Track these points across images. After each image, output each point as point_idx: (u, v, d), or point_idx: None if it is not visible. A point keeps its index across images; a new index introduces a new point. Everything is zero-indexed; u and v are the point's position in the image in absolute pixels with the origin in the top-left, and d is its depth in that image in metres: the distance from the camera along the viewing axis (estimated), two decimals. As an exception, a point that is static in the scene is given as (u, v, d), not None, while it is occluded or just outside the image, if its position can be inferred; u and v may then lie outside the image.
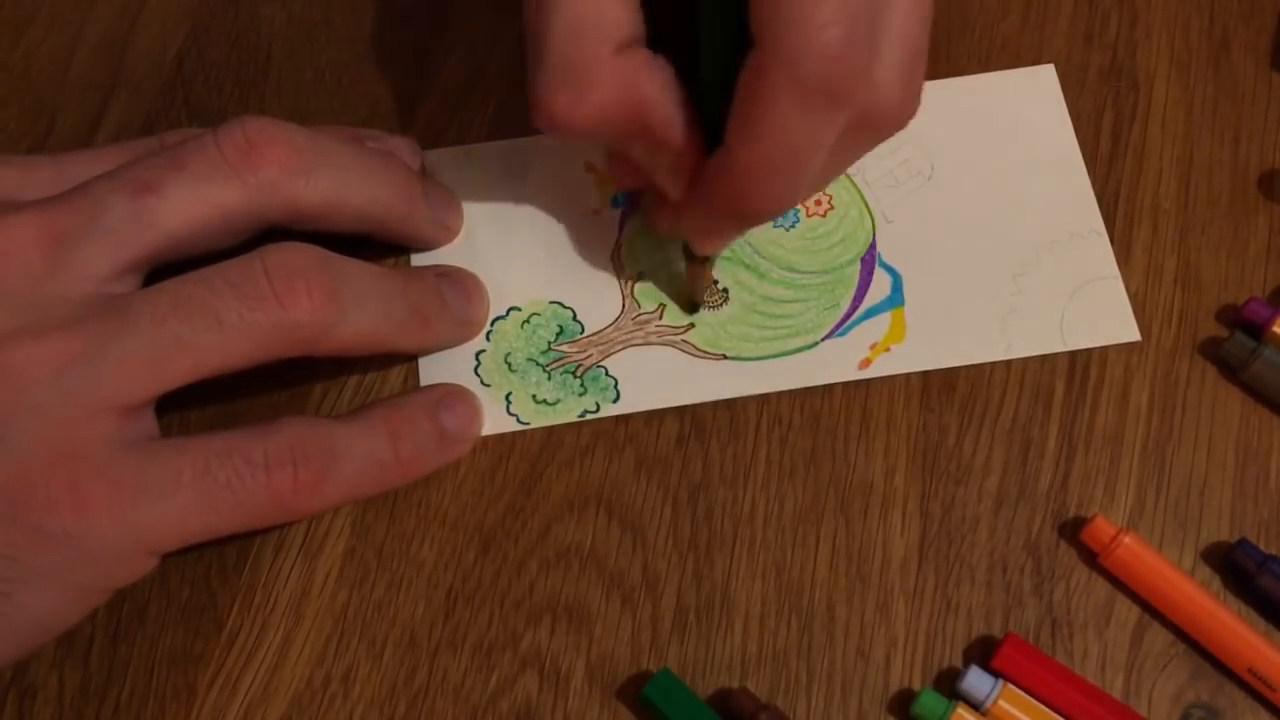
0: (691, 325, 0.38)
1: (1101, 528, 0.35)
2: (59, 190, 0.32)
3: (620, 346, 0.38)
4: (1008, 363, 0.38)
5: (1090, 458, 0.37)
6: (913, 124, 0.39)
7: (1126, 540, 0.35)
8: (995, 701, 0.33)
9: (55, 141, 0.41)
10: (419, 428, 0.35)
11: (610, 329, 0.38)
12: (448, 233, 0.39)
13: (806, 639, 0.35)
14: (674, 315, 0.39)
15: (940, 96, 0.41)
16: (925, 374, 0.38)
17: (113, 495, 0.30)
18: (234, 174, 0.32)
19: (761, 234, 0.39)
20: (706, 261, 0.37)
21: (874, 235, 0.40)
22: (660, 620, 0.35)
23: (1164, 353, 0.38)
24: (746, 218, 0.35)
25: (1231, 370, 0.38)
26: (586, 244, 0.39)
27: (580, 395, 0.38)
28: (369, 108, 0.42)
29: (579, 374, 0.38)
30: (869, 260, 0.39)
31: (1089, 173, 0.40)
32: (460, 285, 0.38)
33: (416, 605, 0.35)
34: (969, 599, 0.35)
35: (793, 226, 0.40)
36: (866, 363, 0.38)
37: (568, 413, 0.37)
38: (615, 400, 0.37)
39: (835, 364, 0.38)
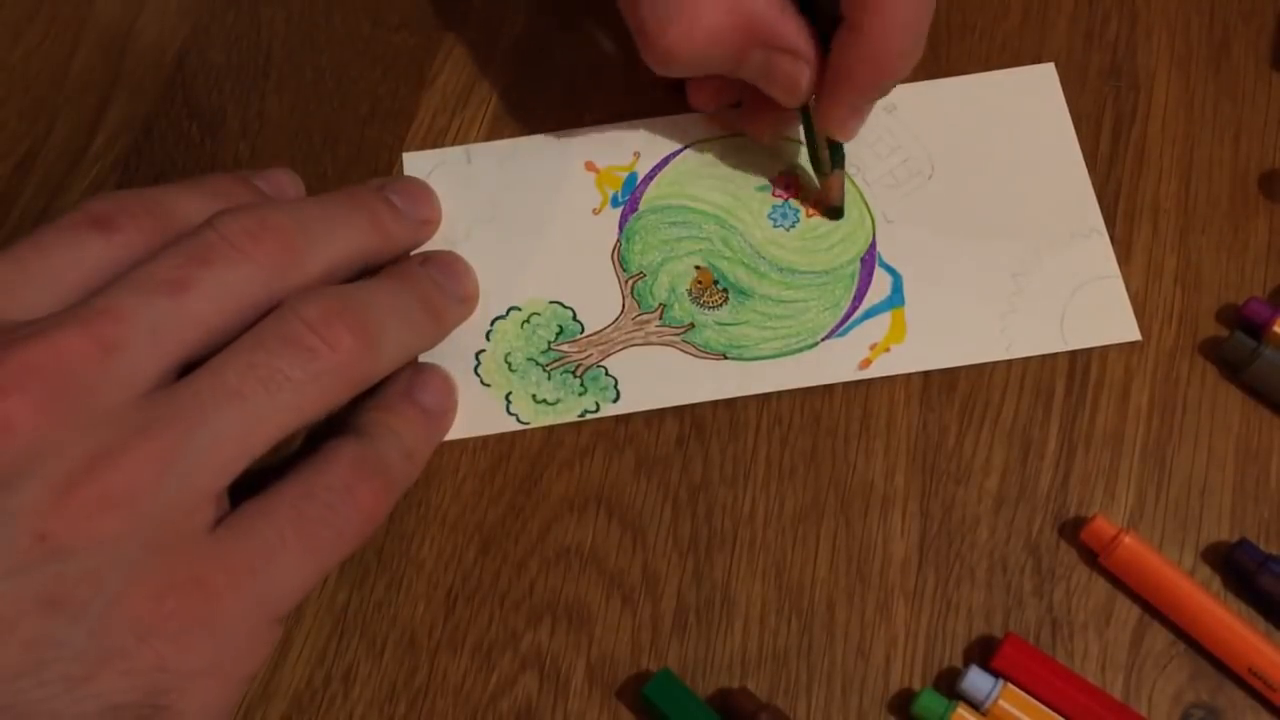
0: (691, 325, 0.38)
1: (1102, 527, 0.35)
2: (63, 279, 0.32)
3: (620, 346, 0.38)
4: (1008, 362, 0.38)
5: (1090, 458, 0.37)
6: (913, 123, 0.39)
7: (1127, 540, 0.35)
8: (995, 701, 0.33)
9: (54, 141, 0.41)
10: (411, 418, 0.35)
11: (610, 329, 0.38)
12: (429, 227, 0.39)
13: (806, 639, 0.35)
14: (673, 316, 0.38)
15: (941, 96, 0.41)
16: (926, 374, 0.38)
17: (232, 575, 0.30)
18: (248, 260, 0.32)
19: (761, 234, 0.39)
20: (842, 165, 0.38)
21: (874, 235, 0.39)
22: (660, 620, 0.35)
23: (1164, 353, 0.38)
24: (887, 85, 0.36)
25: (1231, 370, 0.38)
26: (586, 244, 0.39)
27: (580, 395, 0.38)
28: (369, 108, 0.42)
29: (579, 374, 0.38)
30: (869, 260, 0.39)
31: (1089, 172, 0.40)
32: (447, 267, 0.38)
33: (416, 605, 0.35)
34: (969, 599, 0.35)
35: (793, 227, 0.39)
36: (867, 363, 0.38)
37: (568, 412, 0.37)
38: (615, 400, 0.37)
39: (835, 364, 0.38)
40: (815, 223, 0.40)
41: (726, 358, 0.38)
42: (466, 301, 0.38)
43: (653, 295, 0.39)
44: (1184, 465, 0.37)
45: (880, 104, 0.38)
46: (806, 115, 0.38)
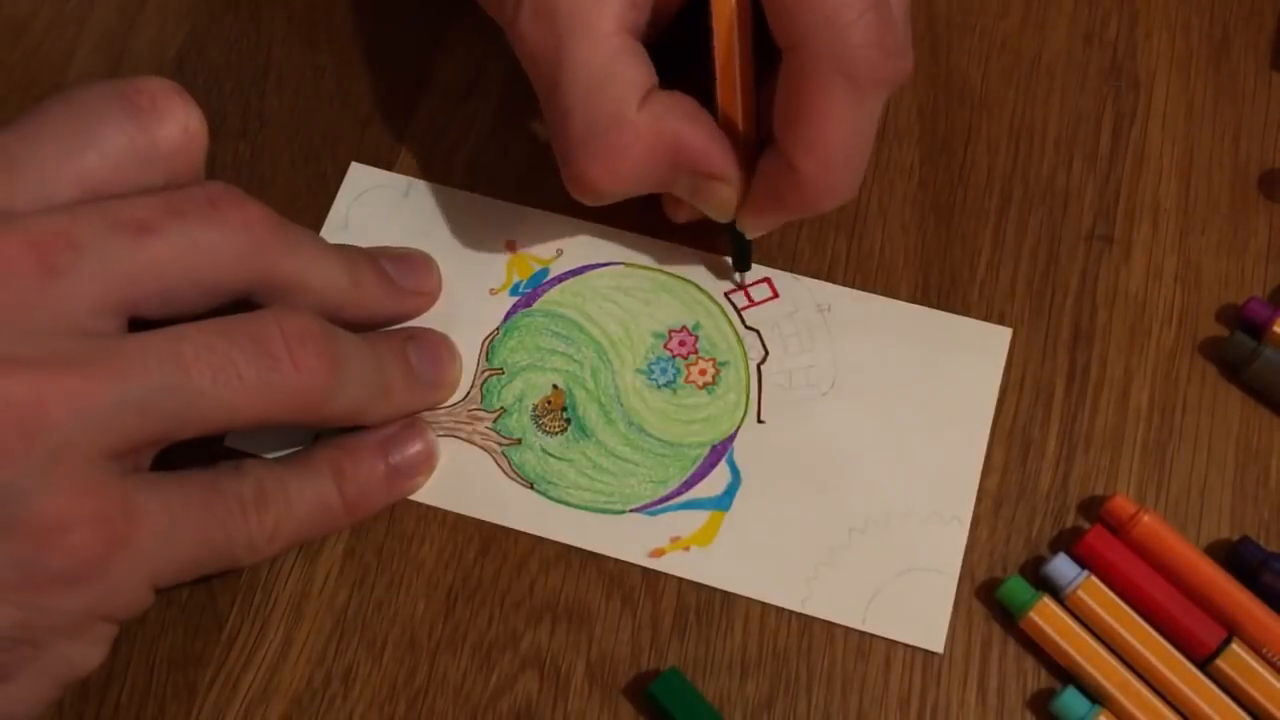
0: (519, 441, 0.37)
1: (1121, 505, 0.35)
2: (40, 200, 0.30)
3: (444, 432, 0.37)
4: (1008, 361, 0.38)
5: (1090, 458, 0.37)
6: (839, 331, 0.38)
7: (1146, 519, 0.35)
8: (1076, 590, 0.34)
9: (55, 141, 0.41)
10: (364, 468, 0.35)
11: (444, 410, 0.37)
12: (418, 299, 0.37)
13: (806, 639, 0.35)
14: (507, 425, 0.37)
15: (881, 316, 0.38)
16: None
17: (131, 531, 0.30)
18: (224, 224, 0.31)
19: (631, 381, 0.37)
20: (748, 268, 0.38)
21: (738, 428, 0.37)
22: (660, 620, 0.35)
23: (1164, 353, 0.38)
24: (814, 213, 0.36)
25: (1231, 370, 0.38)
26: (466, 320, 0.38)
27: None
28: (369, 108, 0.42)
29: None
30: (719, 451, 0.37)
31: (1088, 172, 0.40)
32: (430, 349, 0.36)
33: (416, 605, 0.35)
34: (969, 599, 0.35)
35: (666, 386, 0.37)
36: (660, 553, 0.35)
37: None
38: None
39: (630, 542, 0.36)
40: (690, 391, 0.37)
41: (534, 488, 0.36)
42: (437, 389, 0.37)
43: (499, 396, 0.37)
44: (1184, 465, 0.37)
45: (814, 301, 0.38)
46: (731, 227, 0.37)
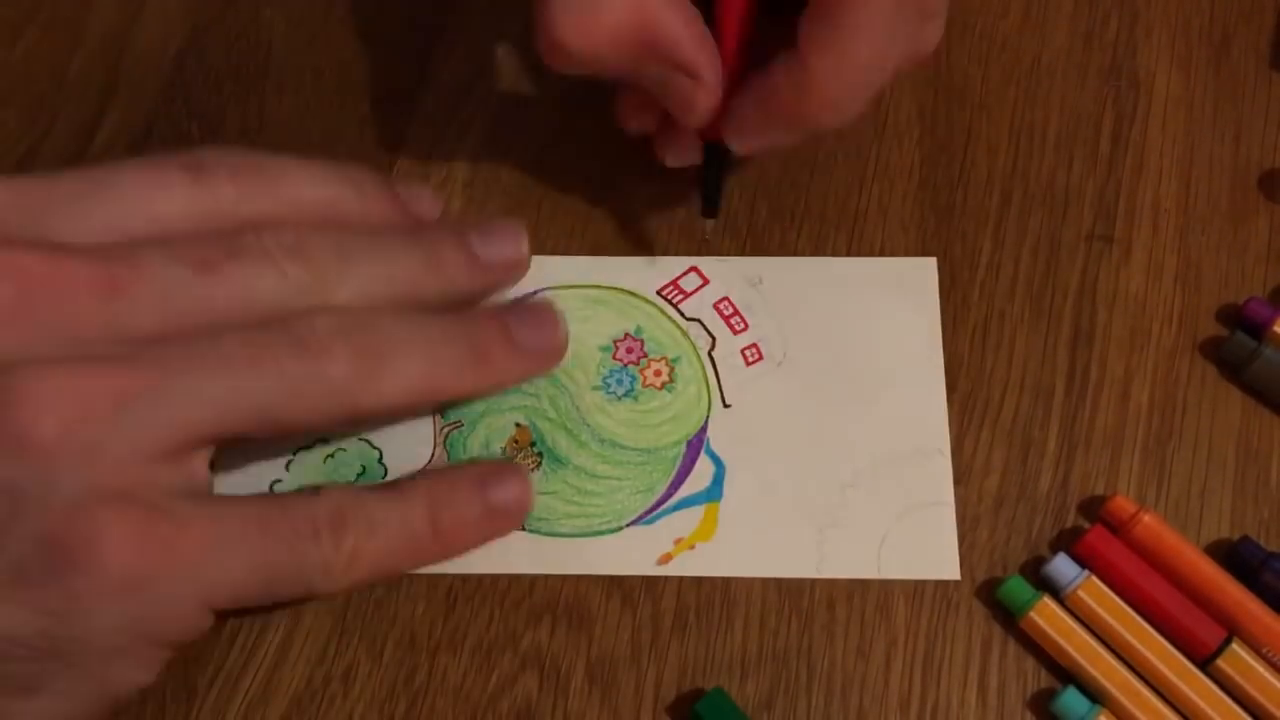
0: None
1: (1122, 505, 0.35)
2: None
3: None
4: (1009, 362, 0.38)
5: (1090, 458, 0.37)
6: (776, 301, 0.37)
7: (1147, 518, 0.35)
8: (1076, 589, 0.34)
9: (54, 141, 0.41)
10: (460, 500, 0.34)
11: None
12: (508, 270, 0.37)
13: (806, 639, 0.35)
14: None
15: (811, 275, 0.39)
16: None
17: (180, 543, 0.29)
18: (276, 270, 0.32)
19: (591, 400, 0.37)
20: (716, 215, 0.37)
21: (707, 418, 0.37)
22: (660, 620, 0.35)
23: (1164, 353, 0.38)
24: (810, 129, 0.34)
25: (1231, 370, 0.38)
26: None
27: None
28: (369, 107, 0.42)
29: None
30: (696, 445, 0.37)
31: (1088, 172, 0.40)
32: (531, 314, 0.36)
33: (416, 605, 0.35)
34: (969, 599, 0.35)
35: (626, 395, 0.37)
36: (667, 558, 0.35)
37: None
38: None
39: (635, 555, 0.35)
40: (650, 394, 0.37)
41: (526, 529, 0.36)
42: (542, 355, 0.36)
43: (465, 449, 0.37)
44: (1184, 465, 0.37)
45: (744, 277, 0.38)
46: (711, 150, 0.37)
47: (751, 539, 0.36)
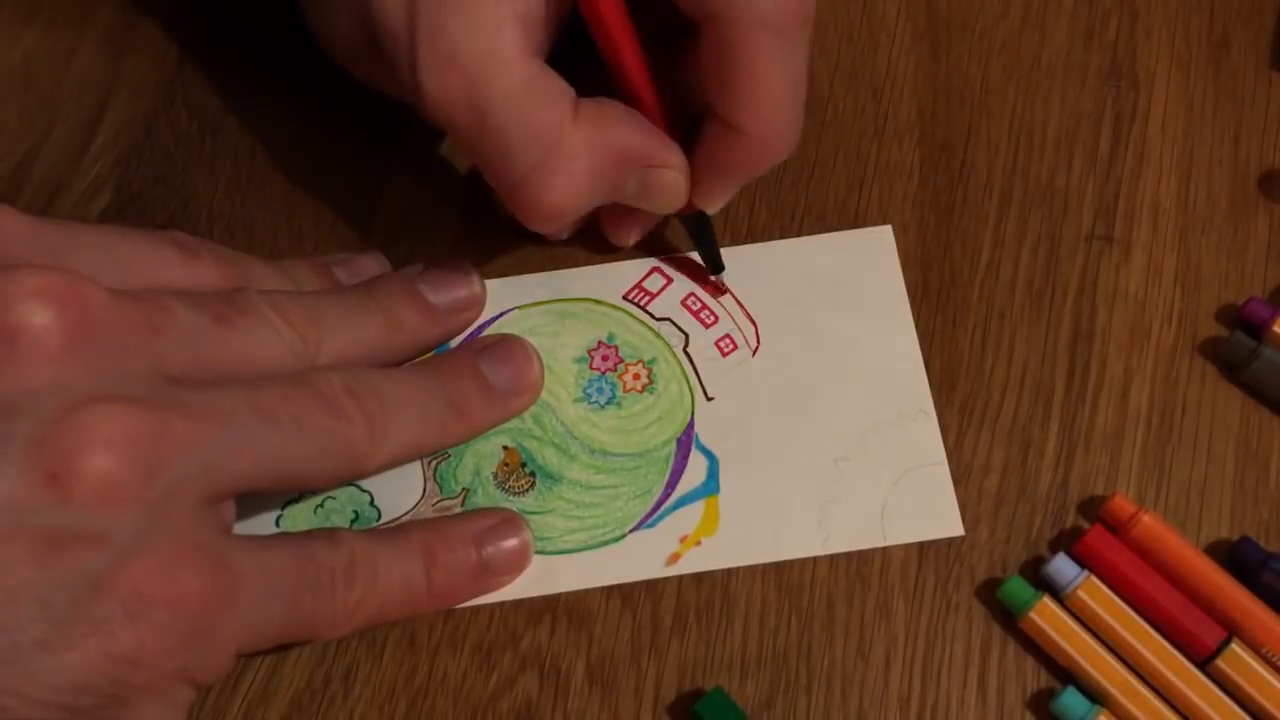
0: None
1: (1121, 505, 0.35)
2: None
3: None
4: (1008, 361, 0.38)
5: (1090, 458, 0.37)
6: (741, 290, 0.38)
7: (1146, 518, 0.35)
8: (1075, 590, 0.34)
9: (54, 141, 0.41)
10: (458, 555, 0.34)
11: (408, 516, 0.36)
12: (462, 314, 0.37)
13: (806, 639, 0.35)
14: (476, 503, 0.36)
15: (771, 260, 0.39)
16: (925, 371, 0.38)
17: (235, 592, 0.29)
18: (273, 328, 0.33)
19: (575, 412, 0.37)
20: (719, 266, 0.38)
21: (693, 414, 0.37)
22: (660, 620, 0.35)
23: (1164, 353, 0.38)
24: (765, 169, 0.36)
25: (1231, 370, 0.38)
26: None
27: None
28: (369, 105, 0.42)
29: None
30: (685, 442, 0.37)
31: (1088, 172, 0.40)
32: (504, 357, 0.36)
33: (416, 605, 0.35)
34: (969, 599, 0.35)
35: (608, 403, 0.37)
36: (675, 558, 0.35)
37: None
38: None
39: (642, 560, 0.35)
40: (632, 399, 0.37)
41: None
42: (518, 396, 0.36)
43: (456, 479, 0.36)
44: (1184, 465, 0.37)
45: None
46: (690, 221, 0.38)
47: (755, 526, 0.36)
